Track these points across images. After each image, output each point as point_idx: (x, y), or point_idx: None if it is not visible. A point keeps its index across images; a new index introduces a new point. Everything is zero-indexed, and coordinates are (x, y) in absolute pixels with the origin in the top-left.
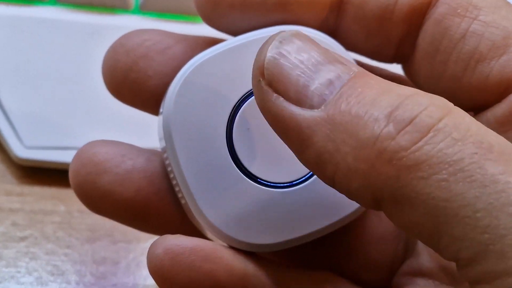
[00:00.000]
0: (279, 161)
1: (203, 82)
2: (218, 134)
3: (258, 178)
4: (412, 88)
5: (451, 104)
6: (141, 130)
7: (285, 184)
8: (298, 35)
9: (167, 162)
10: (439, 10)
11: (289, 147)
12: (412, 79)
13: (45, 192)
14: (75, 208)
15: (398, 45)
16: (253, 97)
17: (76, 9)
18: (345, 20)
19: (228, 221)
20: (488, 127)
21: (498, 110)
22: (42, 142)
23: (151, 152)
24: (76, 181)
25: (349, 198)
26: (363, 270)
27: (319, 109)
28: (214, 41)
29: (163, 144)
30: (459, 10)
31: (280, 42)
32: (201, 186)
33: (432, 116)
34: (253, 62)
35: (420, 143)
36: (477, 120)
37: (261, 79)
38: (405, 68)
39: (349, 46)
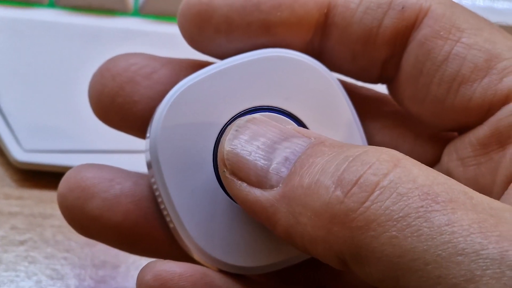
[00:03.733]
0: None
1: (189, 107)
2: (205, 158)
3: None
4: (363, 146)
5: (401, 155)
6: None
7: None
8: (253, 120)
9: (154, 186)
10: (422, 32)
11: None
12: (396, 100)
13: (44, 195)
14: None
15: (382, 67)
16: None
17: (75, 12)
18: (329, 42)
19: (216, 245)
20: (470, 148)
21: (480, 131)
22: (41, 145)
23: (138, 175)
24: (64, 206)
25: (323, 262)
26: None
27: (278, 187)
28: (199, 64)
29: (150, 168)
30: (442, 33)
31: (236, 131)
32: (189, 210)
33: (376, 174)
34: (238, 85)
35: (367, 203)
36: (460, 141)
37: (225, 170)
38: (389, 89)
39: (334, 68)
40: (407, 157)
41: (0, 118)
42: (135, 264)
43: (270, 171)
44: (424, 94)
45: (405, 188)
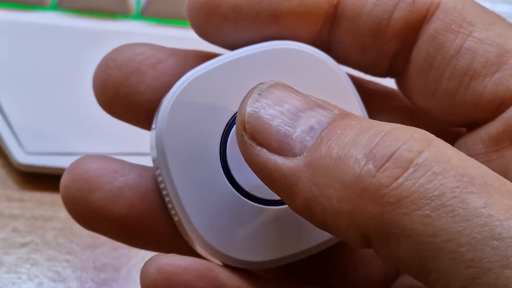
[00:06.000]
0: None
1: (196, 98)
2: (211, 150)
3: (251, 195)
4: (393, 124)
5: (432, 136)
6: (141, 135)
7: (279, 201)
8: (277, 86)
9: (159, 178)
10: (433, 26)
11: (280, 197)
12: (405, 94)
13: (46, 198)
14: None
15: (392, 60)
16: None
17: (77, 15)
18: (338, 34)
19: (221, 238)
20: (481, 144)
21: (492, 127)
22: (43, 148)
23: (142, 167)
24: (67, 198)
25: (341, 239)
26: (357, 286)
27: (301, 156)
28: (205, 55)
29: (156, 160)
30: (453, 27)
31: (259, 94)
32: (194, 203)
33: (411, 150)
34: (246, 78)
35: (400, 179)
36: (471, 137)
37: (244, 133)
38: (398, 83)
39: (342, 60)
40: (439, 138)
41: (2, 120)
42: (136, 266)
43: (293, 138)
44: (434, 88)
45: (440, 167)
